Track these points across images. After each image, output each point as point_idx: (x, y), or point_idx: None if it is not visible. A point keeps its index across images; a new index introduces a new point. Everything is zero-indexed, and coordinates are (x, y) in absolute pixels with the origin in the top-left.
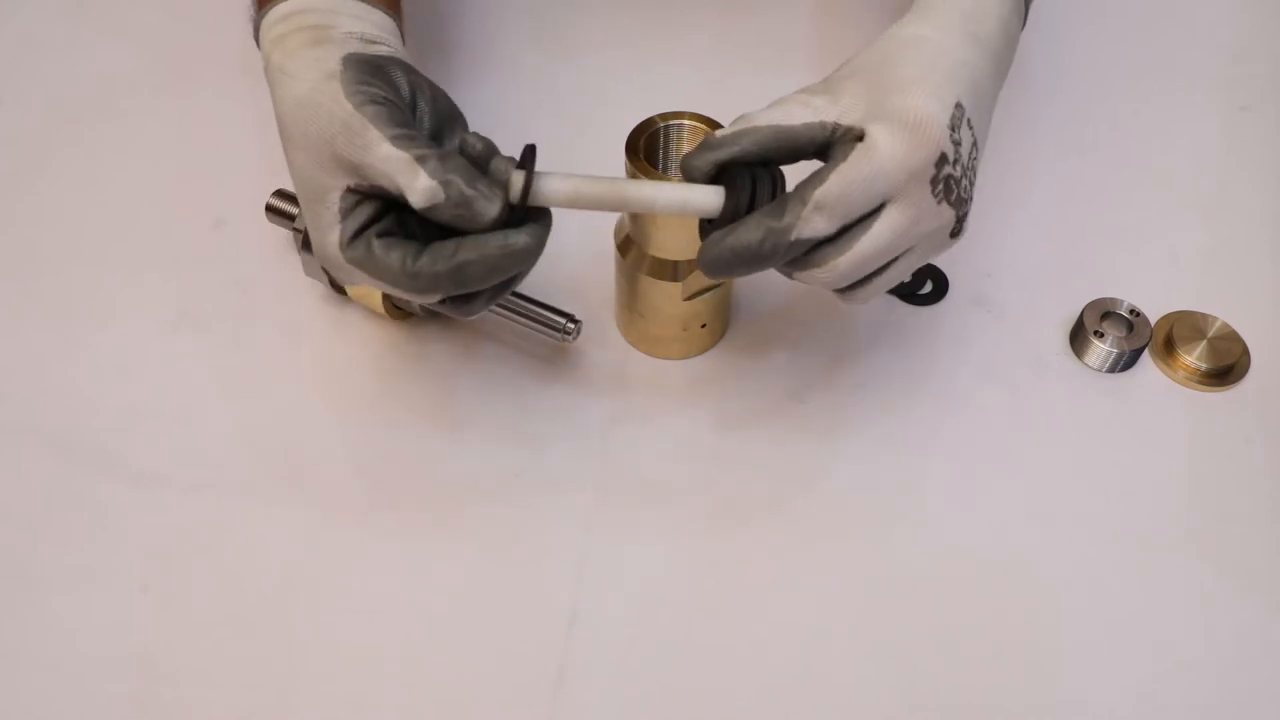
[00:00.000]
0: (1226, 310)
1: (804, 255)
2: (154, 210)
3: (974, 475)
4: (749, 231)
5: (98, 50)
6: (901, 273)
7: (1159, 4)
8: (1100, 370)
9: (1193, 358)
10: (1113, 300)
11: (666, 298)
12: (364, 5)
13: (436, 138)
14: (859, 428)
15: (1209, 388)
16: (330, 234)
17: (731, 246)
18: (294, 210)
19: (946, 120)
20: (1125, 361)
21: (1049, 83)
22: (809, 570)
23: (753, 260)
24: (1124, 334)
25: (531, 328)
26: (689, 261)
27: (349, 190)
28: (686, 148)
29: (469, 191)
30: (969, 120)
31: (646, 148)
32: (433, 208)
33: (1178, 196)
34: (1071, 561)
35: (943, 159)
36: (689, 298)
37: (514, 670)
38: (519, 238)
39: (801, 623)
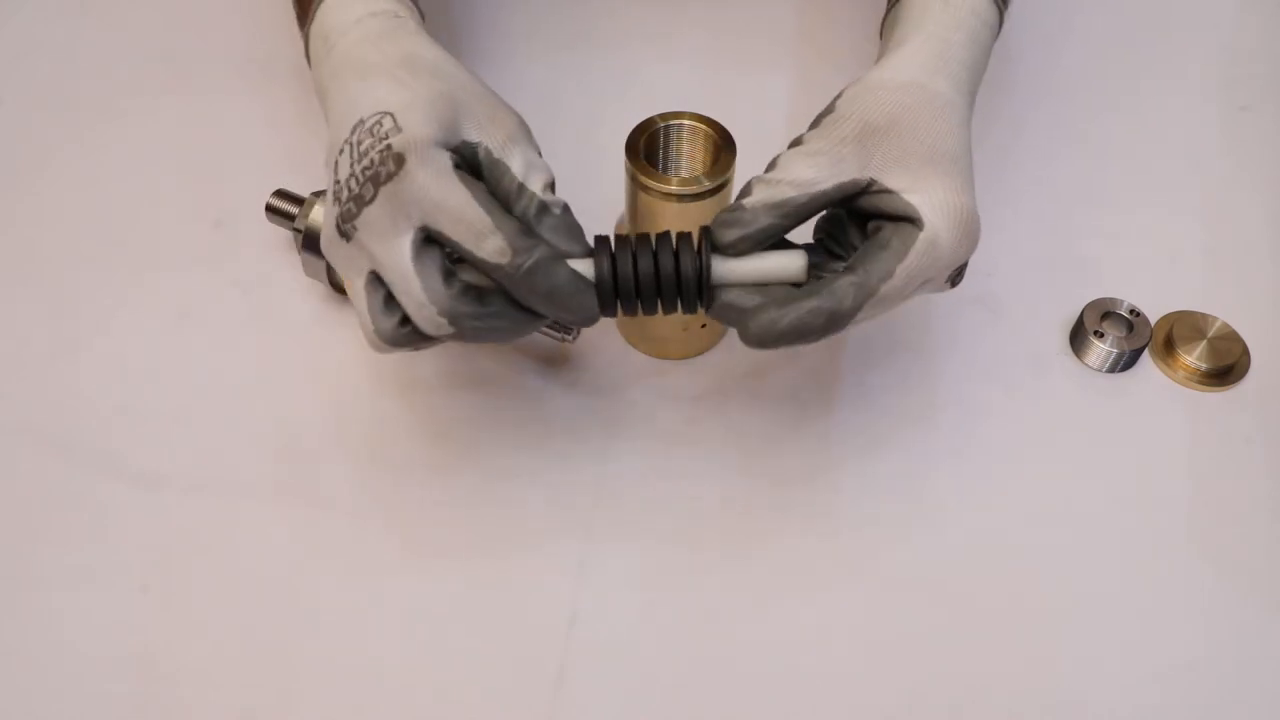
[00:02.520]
0: (1226, 310)
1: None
2: (154, 210)
3: (974, 475)
4: (811, 316)
5: (98, 50)
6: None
7: (1159, 4)
8: (1100, 370)
9: (1193, 358)
10: (1113, 300)
11: None
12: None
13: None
14: (859, 428)
15: (1209, 388)
16: (440, 148)
17: (790, 326)
18: (294, 210)
19: (978, 216)
20: (1125, 361)
21: (1049, 82)
22: (809, 570)
23: (806, 338)
24: (1124, 334)
25: None
26: None
27: (469, 146)
28: (686, 148)
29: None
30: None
31: (646, 148)
32: (513, 283)
33: (1178, 196)
34: (1071, 561)
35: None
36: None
37: (514, 670)
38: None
39: (801, 622)
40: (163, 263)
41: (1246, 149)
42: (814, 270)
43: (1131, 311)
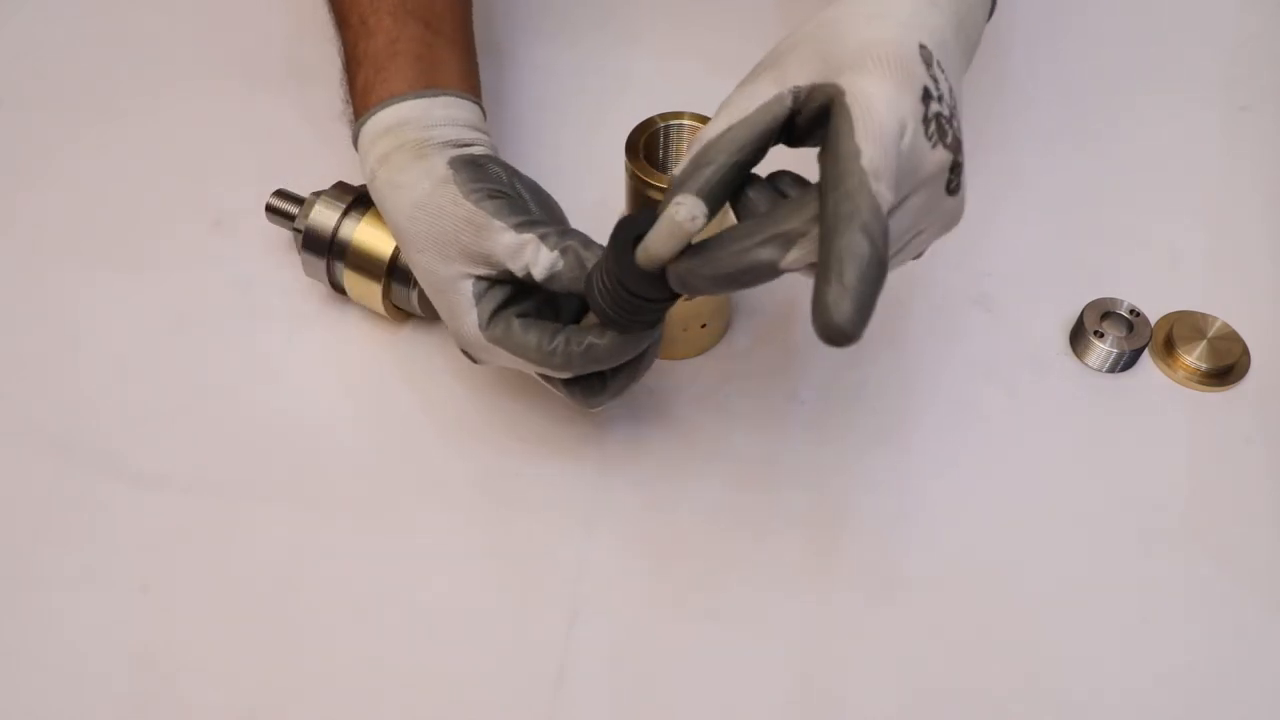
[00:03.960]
0: (1226, 310)
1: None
2: (154, 210)
3: (974, 475)
4: (854, 241)
5: (98, 50)
6: (900, 236)
7: (1159, 4)
8: (1100, 370)
9: (1193, 358)
10: (1113, 300)
11: None
12: (454, 99)
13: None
14: (859, 428)
15: (1209, 388)
16: (467, 317)
17: (858, 256)
18: (294, 210)
19: (915, 54)
20: (1125, 361)
21: (1049, 82)
22: (809, 570)
23: (882, 265)
24: (1124, 334)
25: None
26: None
27: (478, 279)
28: (686, 147)
29: (585, 253)
30: (939, 64)
31: (646, 148)
32: (553, 277)
33: (1178, 196)
34: (1071, 561)
35: (927, 93)
36: (689, 298)
37: (514, 670)
38: (609, 336)
39: (801, 622)
40: (163, 263)
41: (1246, 149)
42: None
43: (1131, 311)
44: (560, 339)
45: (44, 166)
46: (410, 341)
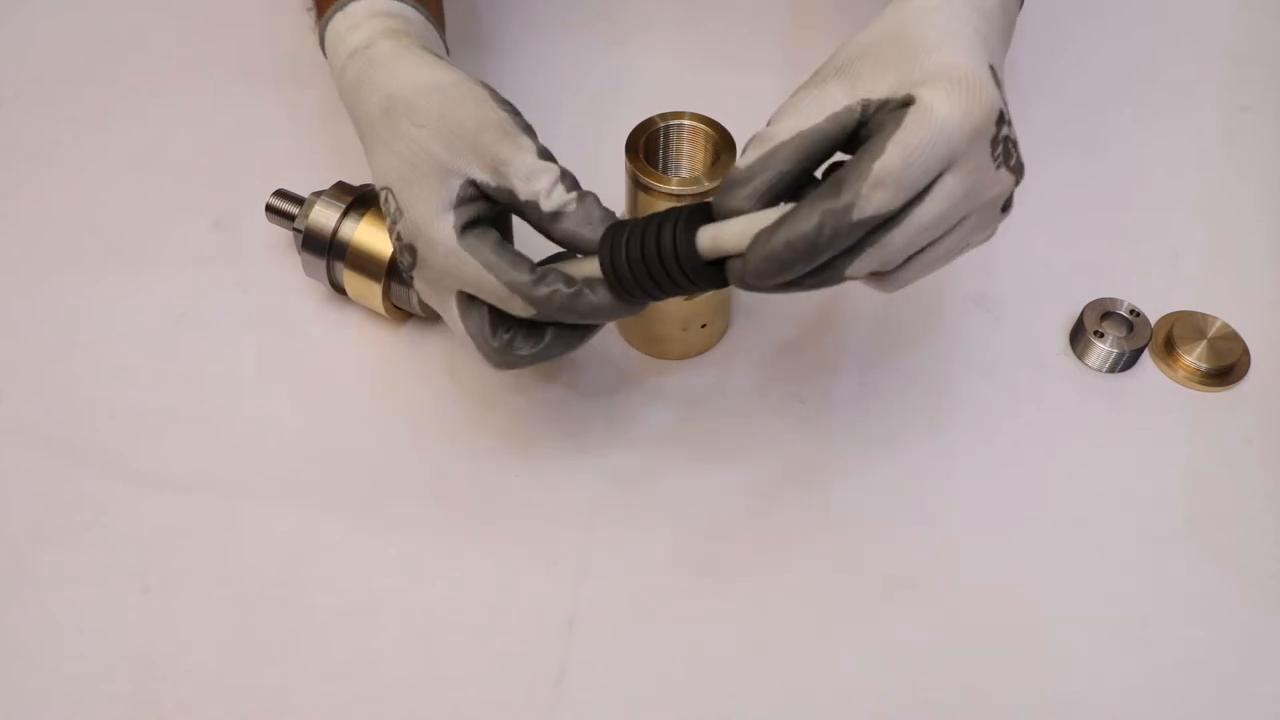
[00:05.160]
0: (1226, 310)
1: (852, 246)
2: (154, 210)
3: (973, 475)
4: (803, 219)
5: (98, 50)
6: (948, 252)
7: (1160, 4)
8: (1100, 370)
9: (1193, 358)
10: (1113, 300)
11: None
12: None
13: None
14: (859, 428)
15: (1209, 388)
16: (445, 215)
17: (786, 240)
18: (294, 210)
19: (989, 75)
20: (1125, 361)
21: (1050, 82)
22: (809, 570)
23: (811, 252)
24: (1124, 334)
25: None
26: None
27: (470, 183)
28: (686, 148)
29: (597, 211)
30: (997, 80)
31: (646, 148)
32: (559, 216)
33: (1178, 196)
34: (1071, 561)
35: (1001, 116)
36: (689, 298)
37: (514, 670)
38: (604, 295)
39: (801, 622)
40: (162, 262)
41: (1246, 149)
42: None
43: (1131, 311)
44: (551, 275)
45: (44, 166)
46: (410, 341)
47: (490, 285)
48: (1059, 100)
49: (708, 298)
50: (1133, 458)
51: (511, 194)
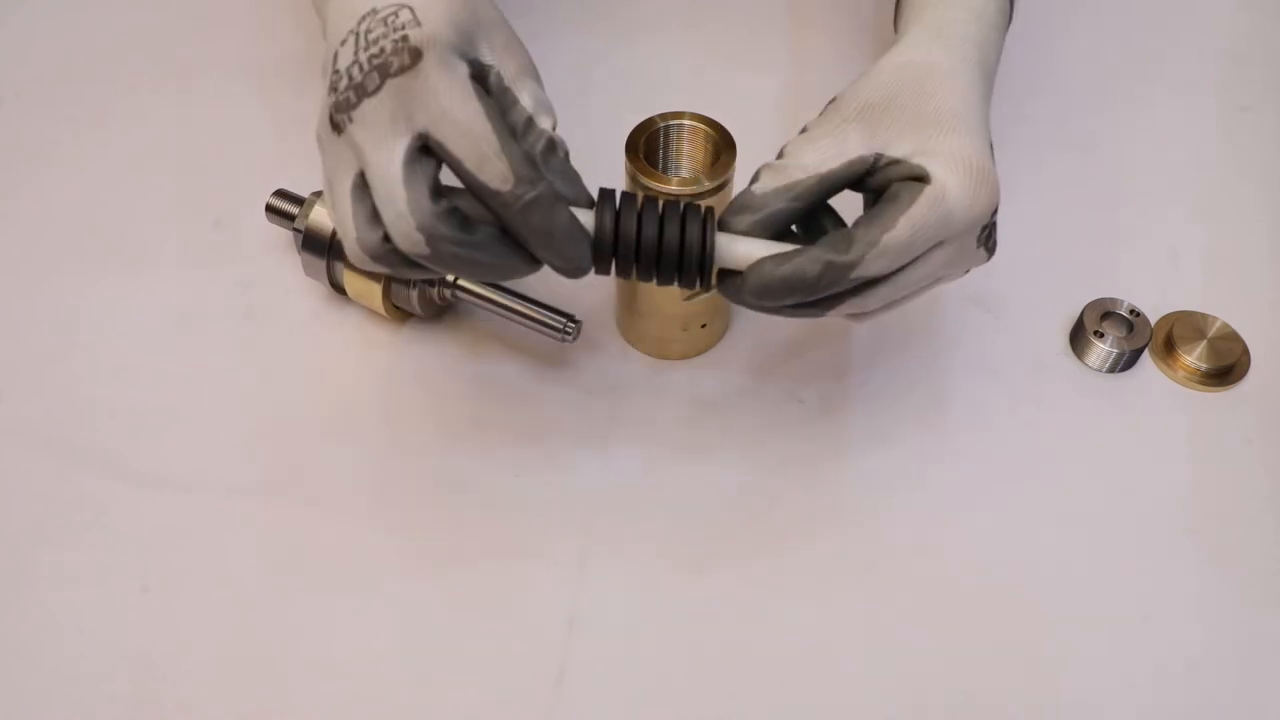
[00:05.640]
0: (1226, 310)
1: (842, 292)
2: (154, 210)
3: (973, 475)
4: (808, 264)
5: (98, 50)
6: (914, 298)
7: (1159, 4)
8: (1100, 370)
9: (1193, 358)
10: (1113, 300)
11: (666, 298)
12: None
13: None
14: (859, 428)
15: (1209, 388)
16: (454, 47)
17: (785, 276)
18: (294, 210)
19: (993, 166)
20: (1125, 361)
21: (1050, 82)
22: (809, 570)
23: (806, 291)
24: (1124, 334)
25: (531, 328)
26: None
27: (475, 77)
28: (687, 148)
29: (574, 184)
30: (993, 160)
31: (646, 148)
32: (552, 152)
33: (1178, 196)
34: (1070, 561)
35: (994, 211)
36: (689, 298)
37: (514, 671)
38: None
39: (801, 622)
40: (162, 263)
41: (1246, 149)
42: None
43: (1131, 311)
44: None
45: (44, 166)
46: (410, 341)
47: (480, 131)
48: (1059, 100)
49: (708, 298)
50: (1132, 458)
51: (515, 101)
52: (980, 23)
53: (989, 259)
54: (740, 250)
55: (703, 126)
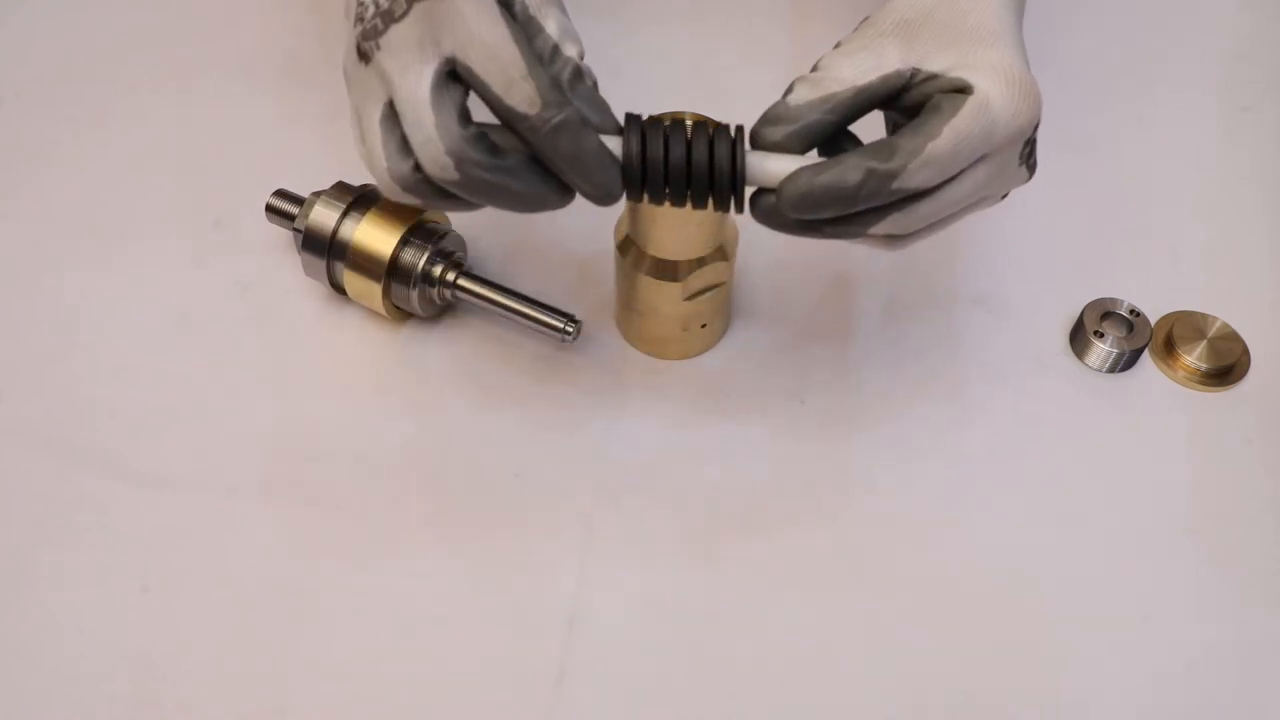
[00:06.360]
0: (1226, 310)
1: (882, 206)
2: (154, 210)
3: (974, 475)
4: (849, 170)
5: (98, 50)
6: (952, 220)
7: (1160, 4)
8: (1100, 370)
9: (1193, 358)
10: (1113, 300)
11: (666, 298)
12: None
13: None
14: (859, 428)
15: (1209, 388)
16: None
17: (825, 184)
18: (294, 210)
19: (1033, 80)
20: (1125, 361)
21: (1050, 81)
22: (808, 570)
23: (846, 202)
24: (1124, 334)
25: (531, 328)
26: (689, 261)
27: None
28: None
29: (601, 111)
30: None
31: None
32: (579, 81)
33: (1178, 196)
34: (1070, 562)
35: (1035, 125)
36: (689, 298)
37: (514, 670)
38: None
39: (802, 623)
40: (162, 263)
41: (1247, 149)
42: None
43: (1131, 311)
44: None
45: (44, 166)
46: (410, 341)
47: (507, 56)
48: (1059, 100)
49: (708, 297)
50: (1132, 458)
51: (540, 29)
52: None
53: (1029, 178)
54: (771, 167)
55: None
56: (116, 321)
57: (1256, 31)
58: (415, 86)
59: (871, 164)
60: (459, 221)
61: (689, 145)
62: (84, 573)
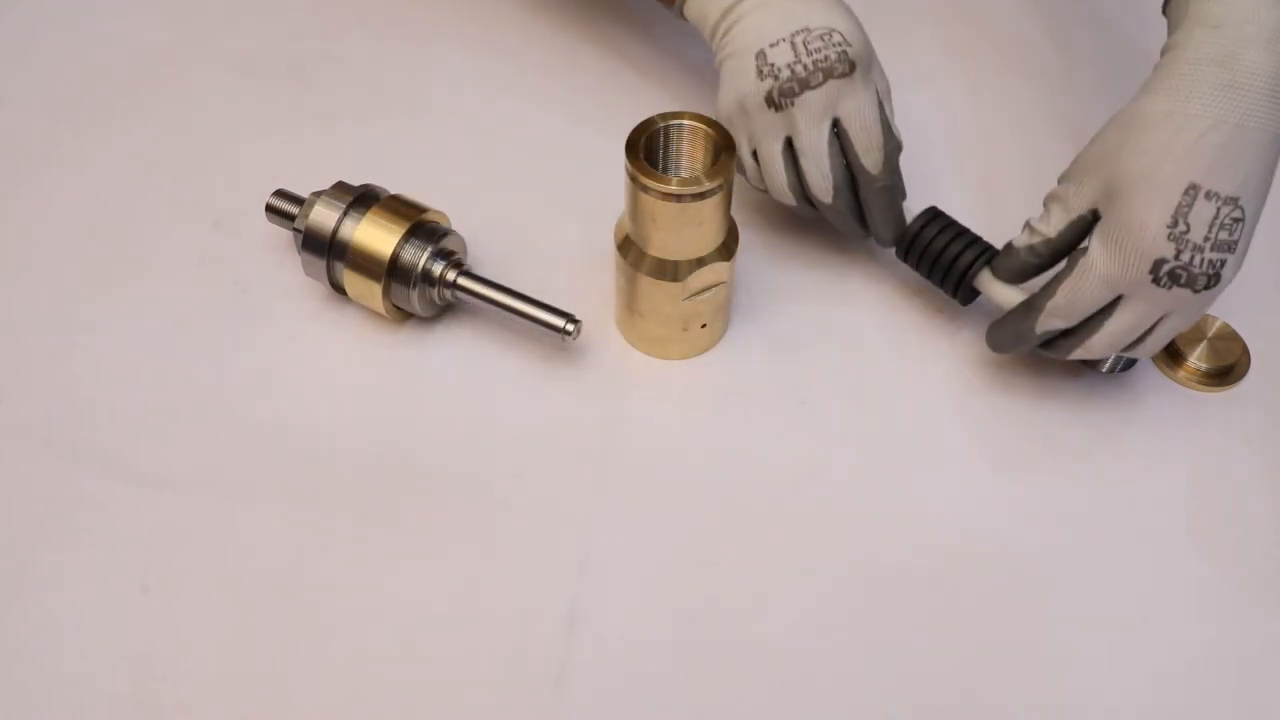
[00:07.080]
0: (1226, 310)
1: (1060, 338)
2: (154, 210)
3: (974, 475)
4: (1005, 328)
5: (98, 50)
6: (1161, 339)
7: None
8: (1100, 370)
9: (1193, 358)
10: None
11: (666, 298)
12: None
13: None
14: (859, 428)
15: (1209, 388)
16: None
17: (994, 338)
18: (294, 210)
19: (1166, 220)
20: (1125, 361)
21: (1053, 80)
22: (809, 570)
23: (1015, 346)
24: None
25: (531, 326)
26: (689, 261)
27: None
28: (686, 148)
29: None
30: (1208, 192)
31: (646, 148)
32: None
33: None
34: (1071, 562)
35: (1158, 264)
36: (689, 298)
37: (514, 670)
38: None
39: (801, 622)
40: (162, 263)
41: None
42: None
43: None
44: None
45: (44, 166)
46: (410, 341)
47: (874, 131)
48: (1061, 99)
49: (707, 297)
50: (1133, 458)
51: (889, 115)
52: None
53: (1200, 292)
54: (997, 294)
55: (703, 126)
56: (116, 321)
57: None
58: (819, 138)
59: (1019, 325)
60: (458, 221)
61: (949, 242)
62: (84, 573)
